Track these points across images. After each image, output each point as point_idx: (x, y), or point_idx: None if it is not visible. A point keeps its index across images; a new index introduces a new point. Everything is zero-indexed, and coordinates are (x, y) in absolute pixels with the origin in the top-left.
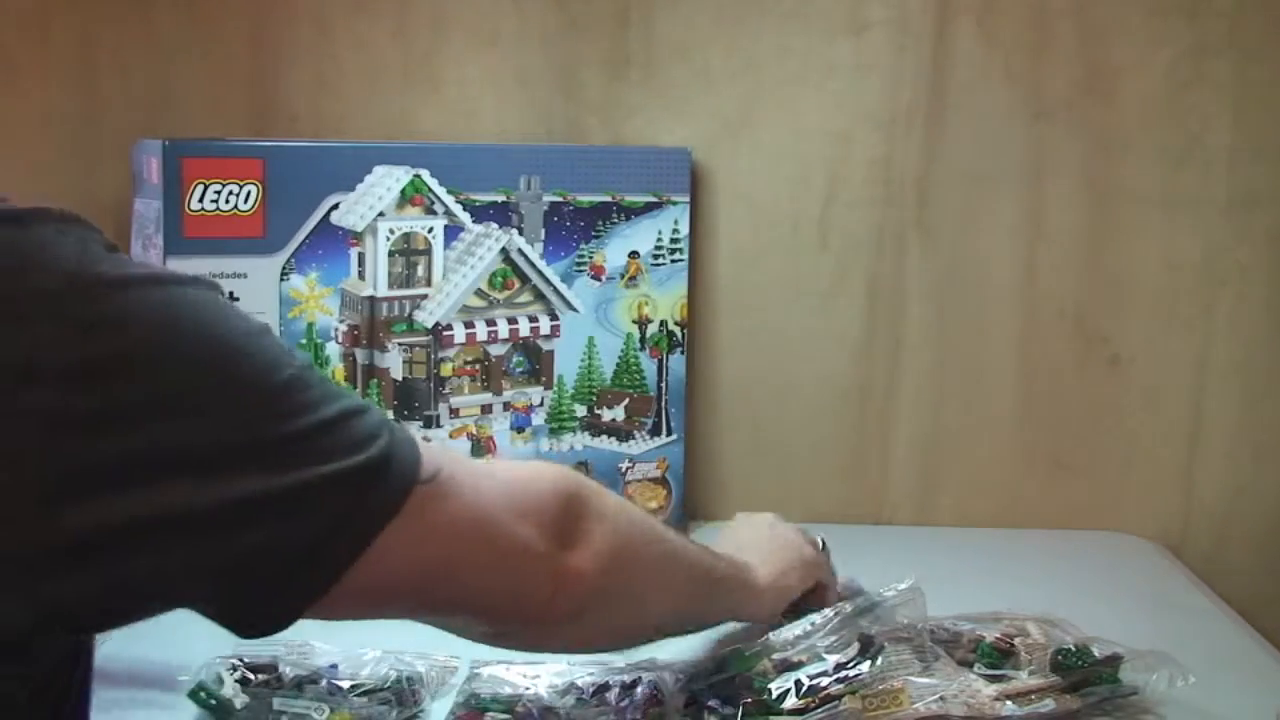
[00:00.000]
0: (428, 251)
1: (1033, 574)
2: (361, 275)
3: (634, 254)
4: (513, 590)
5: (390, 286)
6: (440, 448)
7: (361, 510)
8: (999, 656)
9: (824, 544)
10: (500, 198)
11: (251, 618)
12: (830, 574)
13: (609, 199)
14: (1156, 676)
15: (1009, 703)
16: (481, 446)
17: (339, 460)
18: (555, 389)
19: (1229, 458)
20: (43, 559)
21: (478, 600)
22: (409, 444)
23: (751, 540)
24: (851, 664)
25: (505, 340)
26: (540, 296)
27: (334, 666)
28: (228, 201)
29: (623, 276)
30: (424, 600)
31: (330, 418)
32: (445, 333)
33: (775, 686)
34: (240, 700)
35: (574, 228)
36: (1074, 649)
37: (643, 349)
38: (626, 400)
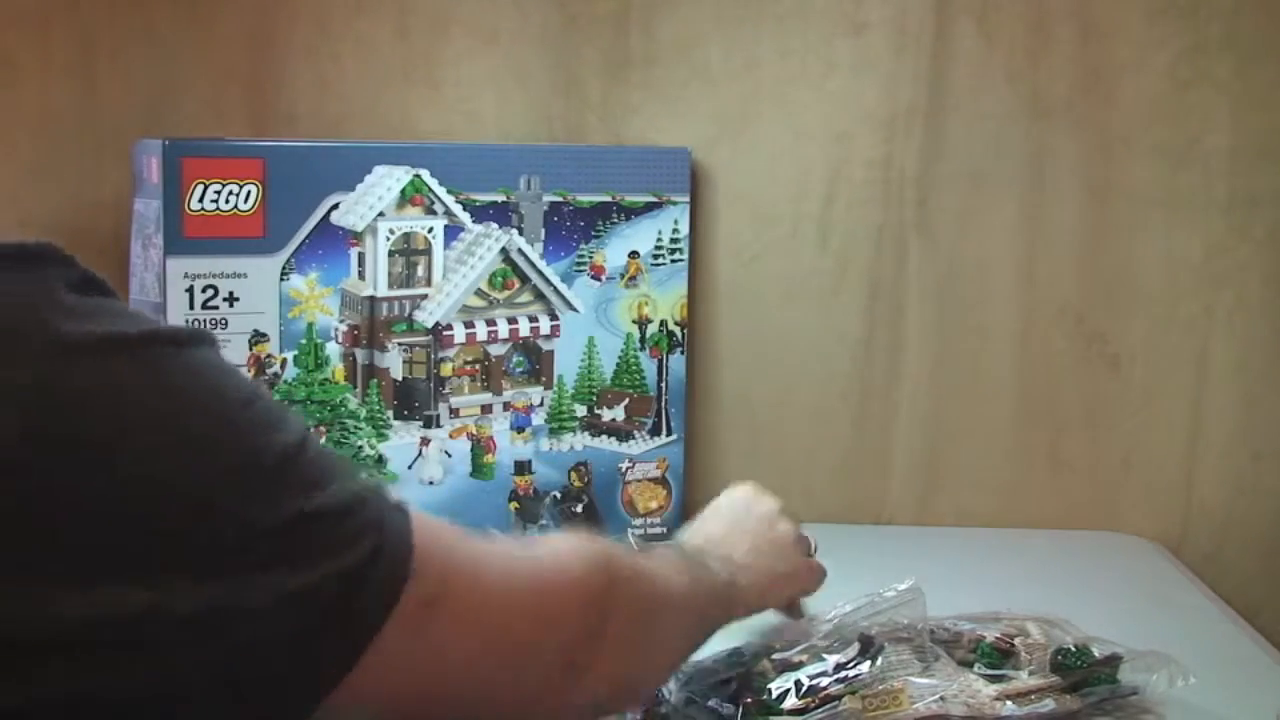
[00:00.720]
0: (428, 251)
1: (1033, 574)
2: (361, 275)
3: (634, 254)
4: (520, 713)
5: (390, 286)
6: (450, 537)
7: (342, 624)
8: (999, 656)
9: (815, 547)
10: (500, 198)
11: None
12: (815, 580)
13: (609, 199)
14: (1157, 677)
15: (1009, 703)
16: (481, 446)
17: (316, 566)
18: (555, 389)
19: (1229, 458)
20: None
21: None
22: (398, 554)
23: (740, 534)
24: (851, 664)
25: (505, 340)
26: (540, 296)
27: None
28: (228, 201)
29: (623, 276)
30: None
31: (312, 512)
32: (445, 333)
33: (775, 686)
34: None
35: (574, 228)
36: (1074, 649)
37: (643, 349)
38: (626, 400)
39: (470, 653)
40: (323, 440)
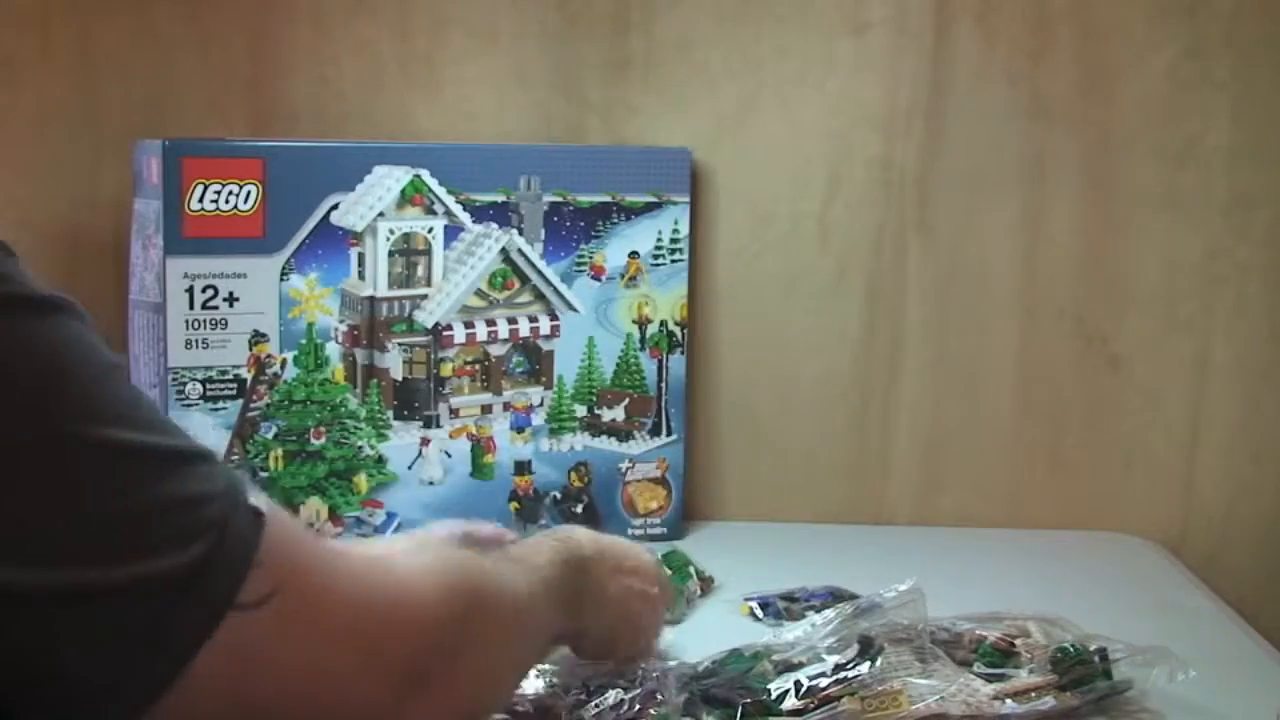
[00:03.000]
0: (428, 251)
1: (1033, 574)
2: (361, 275)
3: (634, 254)
4: None
5: (390, 286)
6: (300, 551)
7: (171, 627)
8: (1000, 657)
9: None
10: (500, 198)
11: None
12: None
13: (609, 199)
14: (1157, 671)
15: (1008, 701)
16: (481, 447)
17: (147, 560)
18: (555, 389)
19: (1229, 458)
20: None
21: None
22: (236, 558)
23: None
24: (851, 665)
25: (505, 340)
26: (540, 296)
27: None
28: (228, 201)
29: (623, 276)
30: None
31: (162, 504)
32: (445, 333)
33: (774, 687)
34: None
35: (574, 228)
36: (1072, 647)
37: (643, 349)
38: (626, 400)
39: (290, 685)
40: (323, 439)
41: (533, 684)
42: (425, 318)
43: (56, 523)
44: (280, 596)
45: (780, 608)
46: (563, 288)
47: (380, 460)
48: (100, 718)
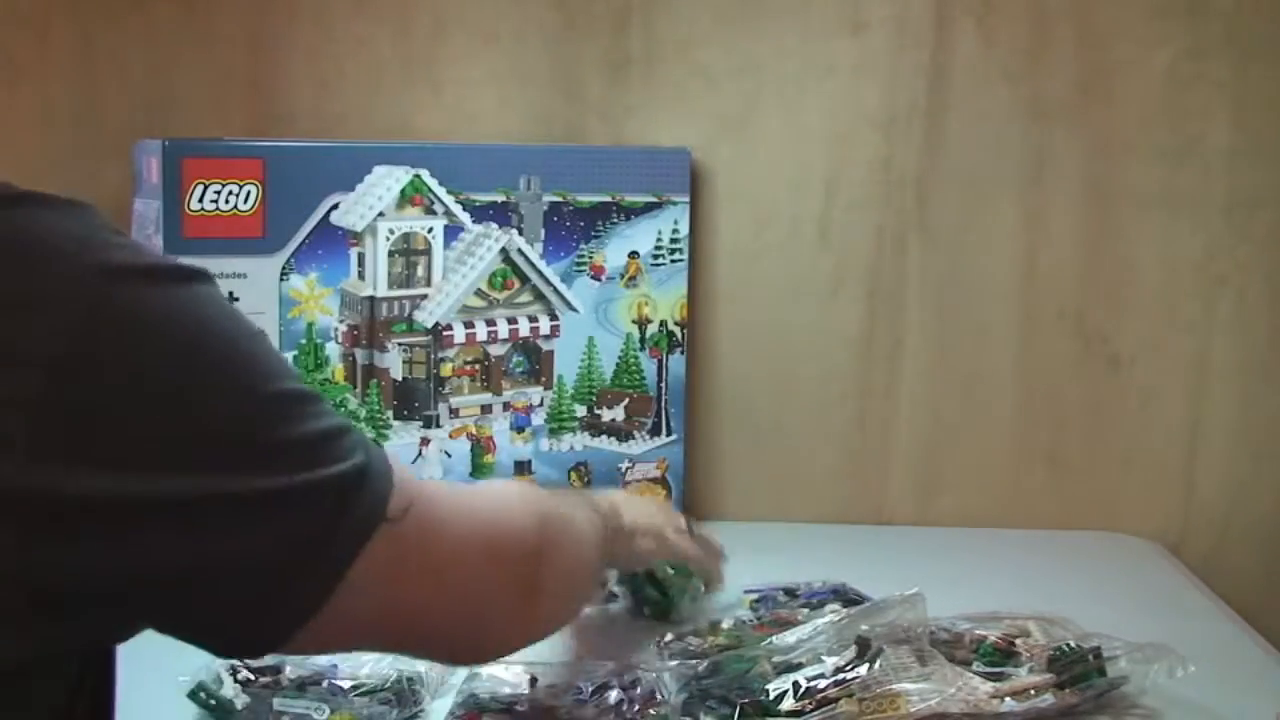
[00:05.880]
0: (428, 251)
1: (1033, 574)
2: (361, 275)
3: (634, 254)
4: (476, 639)
5: (390, 286)
6: (415, 480)
7: (334, 535)
8: (1000, 657)
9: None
10: (500, 198)
11: (235, 634)
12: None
13: (609, 199)
14: (1156, 668)
15: (1008, 699)
16: (481, 446)
17: (321, 468)
18: (555, 389)
19: (1229, 458)
20: (35, 518)
21: (440, 645)
22: (382, 476)
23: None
24: (850, 666)
25: (505, 340)
26: (540, 296)
27: (334, 666)
28: (228, 201)
29: (623, 276)
30: (390, 639)
31: (315, 433)
32: (445, 333)
33: (773, 688)
34: (240, 700)
35: (574, 228)
36: (1071, 646)
37: (643, 349)
38: (626, 400)
39: (433, 585)
40: None
41: (532, 684)
42: (425, 318)
43: (246, 443)
44: (415, 509)
45: (777, 600)
46: (563, 288)
47: None
48: (270, 619)
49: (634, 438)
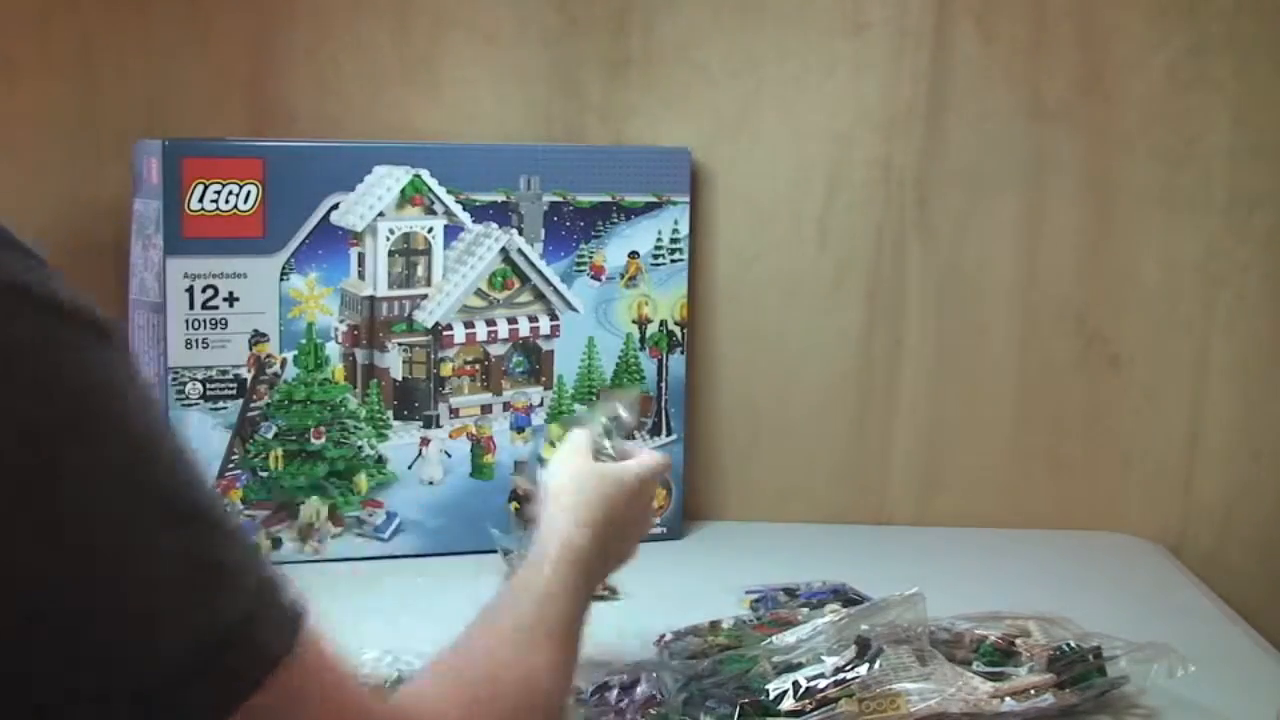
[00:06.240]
0: (428, 251)
1: (1033, 574)
2: (361, 275)
3: (634, 254)
4: None
5: (390, 286)
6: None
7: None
8: (1000, 656)
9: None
10: (500, 198)
11: None
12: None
13: (609, 199)
14: (1157, 667)
15: (1008, 699)
16: (481, 446)
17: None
18: (555, 389)
19: (1229, 458)
20: None
21: None
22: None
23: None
24: (850, 666)
25: (505, 340)
26: (540, 296)
27: None
28: (228, 201)
29: (623, 276)
30: None
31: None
32: (445, 333)
33: (773, 688)
34: None
35: (574, 228)
36: (1071, 646)
37: (643, 349)
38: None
39: None
40: (323, 439)
41: None
42: (425, 318)
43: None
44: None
45: (777, 600)
46: (563, 288)
47: (380, 460)
48: None
49: (634, 438)
